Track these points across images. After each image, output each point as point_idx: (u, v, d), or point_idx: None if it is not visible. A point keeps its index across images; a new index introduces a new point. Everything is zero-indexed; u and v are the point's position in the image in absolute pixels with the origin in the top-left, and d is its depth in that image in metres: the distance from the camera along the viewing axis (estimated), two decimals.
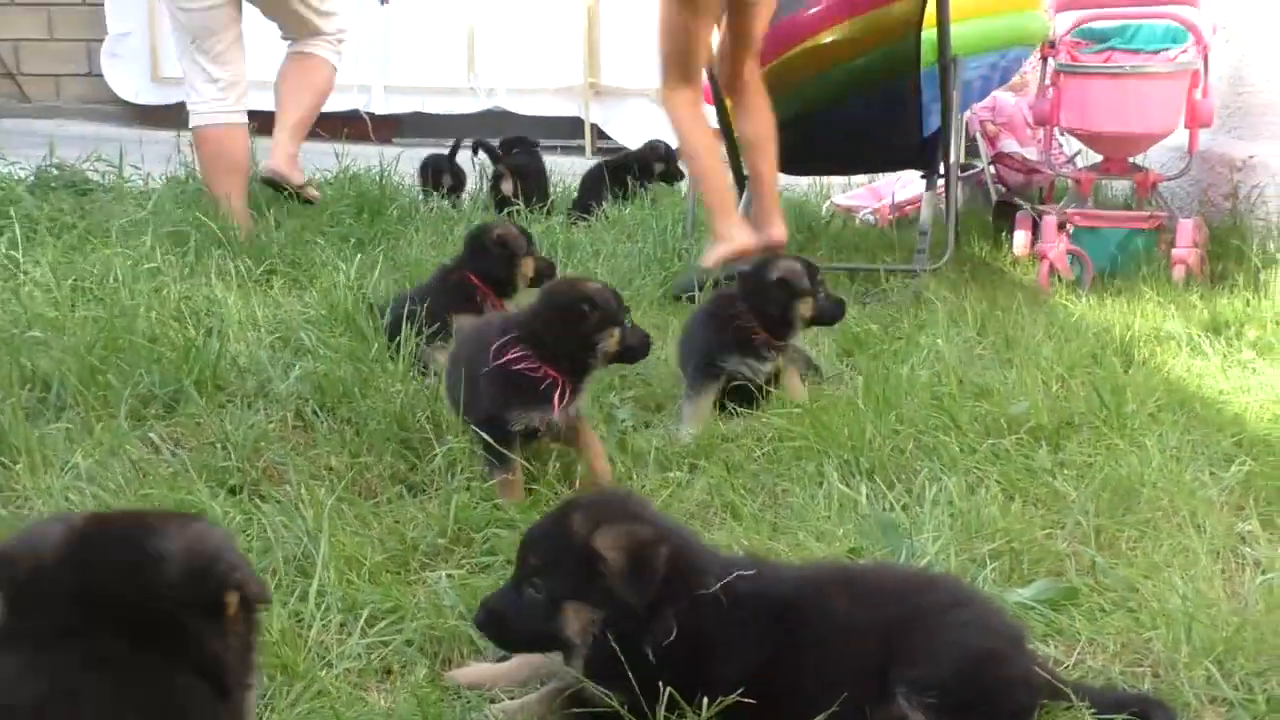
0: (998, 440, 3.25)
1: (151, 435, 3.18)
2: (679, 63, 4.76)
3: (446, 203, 6.56)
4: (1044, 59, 5.73)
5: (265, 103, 5.86)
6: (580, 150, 9.93)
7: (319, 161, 6.43)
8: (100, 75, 10.89)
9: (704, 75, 5.08)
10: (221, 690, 1.28)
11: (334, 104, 6.58)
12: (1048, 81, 5.66)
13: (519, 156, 6.87)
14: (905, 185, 6.62)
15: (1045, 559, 2.69)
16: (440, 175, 6.88)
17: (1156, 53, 5.39)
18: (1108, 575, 2.58)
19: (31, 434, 3.05)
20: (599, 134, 10.14)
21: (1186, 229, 5.28)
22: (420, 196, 6.66)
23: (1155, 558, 2.66)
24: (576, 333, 2.92)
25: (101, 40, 10.81)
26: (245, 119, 5.66)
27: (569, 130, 10.15)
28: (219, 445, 3.11)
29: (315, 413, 3.34)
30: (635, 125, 9.71)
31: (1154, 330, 4.49)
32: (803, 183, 7.18)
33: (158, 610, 1.21)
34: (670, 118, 4.89)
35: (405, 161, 6.76)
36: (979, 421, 3.39)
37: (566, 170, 7.45)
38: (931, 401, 3.48)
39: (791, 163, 5.97)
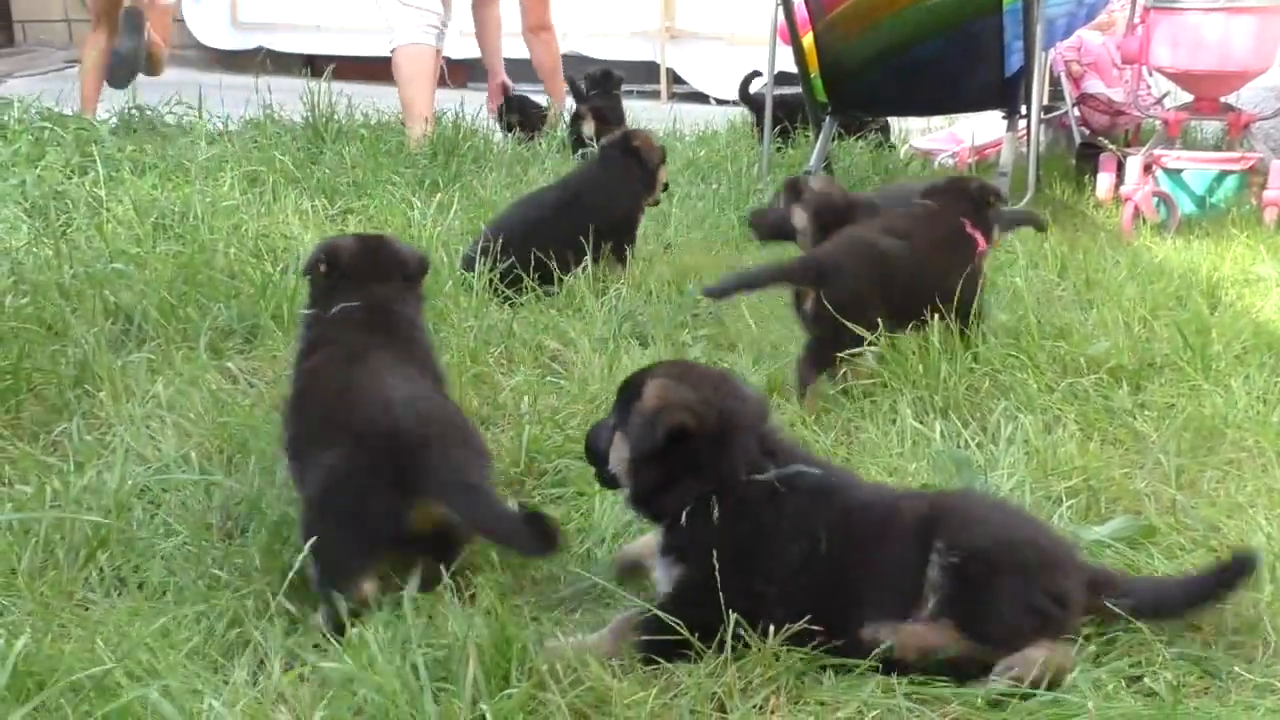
0: (1076, 380, 3.20)
1: (229, 366, 3.25)
2: (107, 11, 6.61)
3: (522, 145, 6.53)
4: None
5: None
6: (656, 95, 9.83)
7: (395, 105, 6.44)
8: (181, 20, 10.99)
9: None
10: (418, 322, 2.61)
11: None
12: (1136, 19, 5.47)
13: (595, 99, 6.79)
14: (985, 129, 6.46)
15: (1123, 498, 2.64)
16: (508, 113, 6.90)
17: None
18: (1188, 514, 2.53)
19: (114, 364, 3.14)
20: (674, 78, 10.03)
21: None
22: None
23: (1239, 498, 2.61)
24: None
25: None
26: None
27: (644, 74, 10.04)
28: None
29: None
30: (711, 69, 9.60)
31: (1243, 272, 4.35)
32: None
33: (405, 275, 2.56)
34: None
35: (478, 104, 6.78)
36: (1057, 361, 3.33)
37: (641, 114, 7.39)
38: (1008, 340, 3.41)
39: (870, 103, 5.89)
